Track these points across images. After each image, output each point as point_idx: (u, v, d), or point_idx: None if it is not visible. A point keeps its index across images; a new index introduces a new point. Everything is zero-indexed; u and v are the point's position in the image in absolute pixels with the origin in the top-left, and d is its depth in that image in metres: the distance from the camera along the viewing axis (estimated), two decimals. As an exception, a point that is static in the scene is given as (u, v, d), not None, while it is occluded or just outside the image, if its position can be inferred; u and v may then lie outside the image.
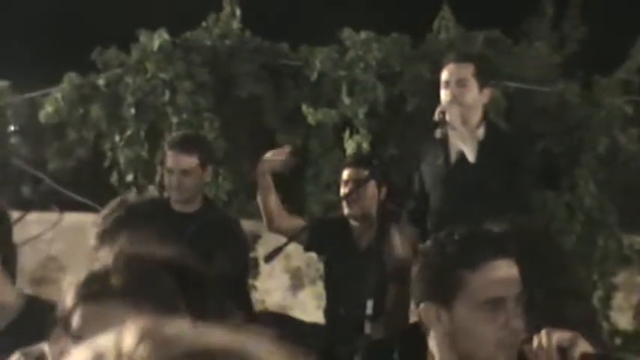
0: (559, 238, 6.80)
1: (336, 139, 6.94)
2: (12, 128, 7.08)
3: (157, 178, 6.66)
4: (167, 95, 6.92)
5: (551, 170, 6.77)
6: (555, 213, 6.84)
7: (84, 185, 7.40)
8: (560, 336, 2.29)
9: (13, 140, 7.27)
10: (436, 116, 4.64)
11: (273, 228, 5.03)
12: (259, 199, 4.97)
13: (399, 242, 4.76)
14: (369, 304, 4.20)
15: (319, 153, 6.99)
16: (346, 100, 6.84)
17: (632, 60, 7.01)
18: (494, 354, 2.31)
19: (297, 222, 5.02)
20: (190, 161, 4.81)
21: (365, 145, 6.77)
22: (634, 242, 6.93)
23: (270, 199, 4.89)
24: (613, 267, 6.84)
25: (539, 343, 2.30)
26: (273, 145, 6.90)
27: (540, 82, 7.05)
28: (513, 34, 7.37)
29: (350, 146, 6.81)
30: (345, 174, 5.01)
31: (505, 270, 2.35)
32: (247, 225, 5.88)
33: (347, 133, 6.86)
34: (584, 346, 2.26)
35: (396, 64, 6.88)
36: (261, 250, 6.54)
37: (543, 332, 2.31)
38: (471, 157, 4.59)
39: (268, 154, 4.95)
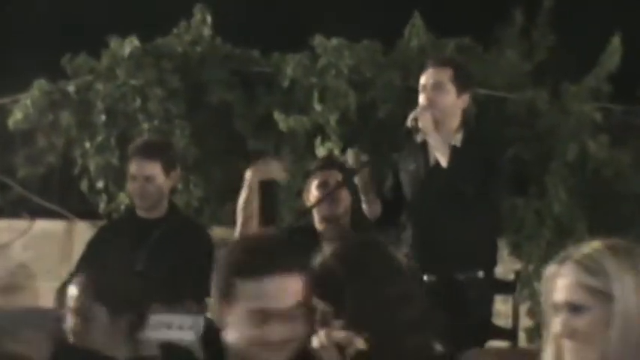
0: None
1: (307, 145, 6.95)
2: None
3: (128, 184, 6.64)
4: (138, 102, 6.90)
5: (520, 177, 6.80)
6: (525, 220, 6.87)
7: (54, 192, 7.36)
8: (336, 334, 2.48)
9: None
10: (408, 122, 4.65)
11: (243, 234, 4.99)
12: (241, 203, 4.87)
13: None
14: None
15: (291, 160, 7.00)
16: (317, 107, 6.85)
17: (601, 67, 7.06)
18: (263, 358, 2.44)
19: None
20: (153, 167, 4.79)
21: (336, 152, 6.78)
22: (603, 248, 6.95)
23: (253, 206, 4.83)
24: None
25: (319, 342, 2.48)
26: (245, 152, 6.91)
27: (510, 89, 7.10)
28: (483, 41, 7.41)
29: (321, 153, 6.82)
30: (319, 176, 4.99)
31: (278, 283, 2.44)
32: (219, 232, 5.86)
33: (318, 140, 6.87)
34: (359, 344, 2.46)
35: (367, 70, 6.90)
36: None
37: (321, 332, 2.49)
38: (443, 162, 4.61)
39: (262, 163, 4.90)
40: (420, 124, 4.60)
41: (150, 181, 4.77)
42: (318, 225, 4.97)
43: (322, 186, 4.92)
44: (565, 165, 6.79)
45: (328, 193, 4.82)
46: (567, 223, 6.76)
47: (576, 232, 6.77)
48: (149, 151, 4.83)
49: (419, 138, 4.72)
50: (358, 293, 2.56)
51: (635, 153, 6.94)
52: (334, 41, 6.94)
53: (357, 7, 7.82)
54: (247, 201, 4.80)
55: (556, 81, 7.15)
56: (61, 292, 4.83)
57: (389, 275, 2.66)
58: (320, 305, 2.58)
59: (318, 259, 2.67)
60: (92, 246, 4.87)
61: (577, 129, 6.79)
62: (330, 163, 5.20)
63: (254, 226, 4.90)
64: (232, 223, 5.29)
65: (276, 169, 4.94)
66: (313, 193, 4.98)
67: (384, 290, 2.60)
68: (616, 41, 7.01)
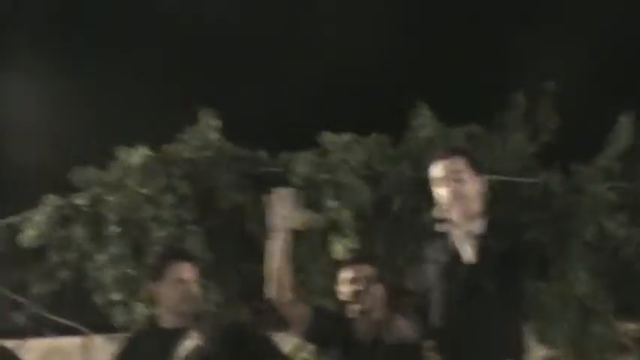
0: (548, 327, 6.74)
1: (322, 243, 6.88)
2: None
3: (145, 294, 6.54)
4: (150, 210, 6.85)
5: (540, 260, 6.71)
6: (548, 303, 6.78)
7: (68, 308, 7.26)
8: None
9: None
10: (438, 213, 4.59)
11: (280, 301, 4.78)
12: (270, 264, 4.69)
13: (404, 325, 4.70)
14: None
15: (307, 258, 6.92)
16: (331, 204, 6.80)
17: (612, 147, 7.05)
18: None
19: (303, 312, 4.85)
20: (195, 270, 4.80)
21: (352, 247, 6.71)
22: (629, 329, 6.87)
23: (284, 266, 4.67)
24: (610, 355, 6.76)
25: None
26: (259, 255, 6.82)
27: (521, 173, 7.07)
28: (489, 127, 7.41)
29: (337, 249, 6.74)
30: (349, 272, 4.90)
31: None
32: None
33: (333, 237, 6.80)
34: None
35: (379, 164, 6.87)
36: None
37: None
38: (466, 256, 4.55)
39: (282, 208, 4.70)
40: (453, 216, 4.55)
41: (195, 283, 4.76)
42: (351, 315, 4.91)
43: (352, 281, 4.86)
44: (584, 245, 6.72)
45: (360, 289, 4.77)
46: (591, 304, 6.66)
47: (601, 313, 6.68)
48: (187, 255, 4.89)
49: (441, 228, 4.66)
50: None
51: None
52: (344, 137, 6.92)
53: (361, 100, 7.85)
54: (277, 261, 4.63)
55: (564, 161, 7.13)
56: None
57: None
58: None
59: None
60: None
61: (593, 209, 6.74)
62: (358, 258, 5.13)
63: (288, 288, 4.73)
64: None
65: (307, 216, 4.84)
66: (342, 288, 4.91)
67: None
68: (626, 121, 7.01)
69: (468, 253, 4.53)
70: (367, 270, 4.82)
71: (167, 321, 4.79)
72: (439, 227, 4.62)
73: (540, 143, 7.47)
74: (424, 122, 7.09)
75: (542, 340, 6.79)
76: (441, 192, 4.63)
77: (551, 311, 6.80)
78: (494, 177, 6.72)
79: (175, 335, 4.71)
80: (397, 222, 6.73)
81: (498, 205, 6.58)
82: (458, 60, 8.20)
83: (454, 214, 4.55)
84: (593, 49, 7.89)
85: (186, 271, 4.74)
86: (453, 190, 4.61)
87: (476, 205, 4.65)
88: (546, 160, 7.31)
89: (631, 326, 6.88)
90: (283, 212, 4.66)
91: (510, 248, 4.59)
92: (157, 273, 4.79)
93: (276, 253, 4.63)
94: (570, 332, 6.71)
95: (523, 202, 6.88)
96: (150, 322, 5.44)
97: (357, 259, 5.05)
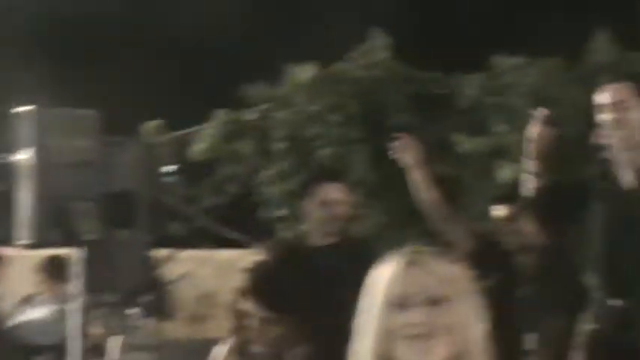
0: None
1: (487, 167, 6.76)
2: (167, 168, 7.13)
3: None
4: (317, 128, 6.88)
5: None
6: None
7: (237, 221, 7.41)
8: None
9: (166, 178, 7.33)
10: (597, 140, 4.46)
11: (440, 227, 4.84)
12: (421, 194, 4.79)
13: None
14: None
15: (471, 183, 6.83)
16: (499, 128, 6.66)
17: None
18: None
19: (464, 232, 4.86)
20: (346, 192, 4.81)
21: (520, 174, 6.57)
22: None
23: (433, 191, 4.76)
24: None
25: None
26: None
27: None
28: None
29: (503, 175, 6.61)
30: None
31: None
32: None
33: (499, 162, 6.67)
34: None
35: (551, 89, 6.66)
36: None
37: None
38: (625, 182, 4.41)
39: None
40: (612, 142, 4.41)
41: (344, 204, 4.76)
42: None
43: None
44: None
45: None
46: None
47: None
48: (340, 176, 4.89)
49: (607, 156, 4.53)
50: None
51: None
52: (514, 60, 6.74)
53: (535, 24, 7.59)
54: (424, 190, 4.73)
55: None
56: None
57: None
58: None
59: None
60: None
61: None
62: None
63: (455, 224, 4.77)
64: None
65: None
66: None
67: None
68: None
69: (627, 179, 4.38)
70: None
71: (313, 239, 4.82)
72: (602, 154, 4.49)
73: None
74: (602, 46, 6.82)
75: None
76: (603, 118, 4.49)
77: None
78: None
79: (318, 253, 4.76)
80: (568, 148, 6.53)
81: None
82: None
83: (613, 142, 4.40)
84: None
85: (335, 192, 4.72)
86: (616, 117, 4.45)
87: (638, 134, 4.48)
88: None
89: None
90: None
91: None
92: (308, 191, 4.81)
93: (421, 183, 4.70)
94: None
95: None
96: (300, 238, 5.49)
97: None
